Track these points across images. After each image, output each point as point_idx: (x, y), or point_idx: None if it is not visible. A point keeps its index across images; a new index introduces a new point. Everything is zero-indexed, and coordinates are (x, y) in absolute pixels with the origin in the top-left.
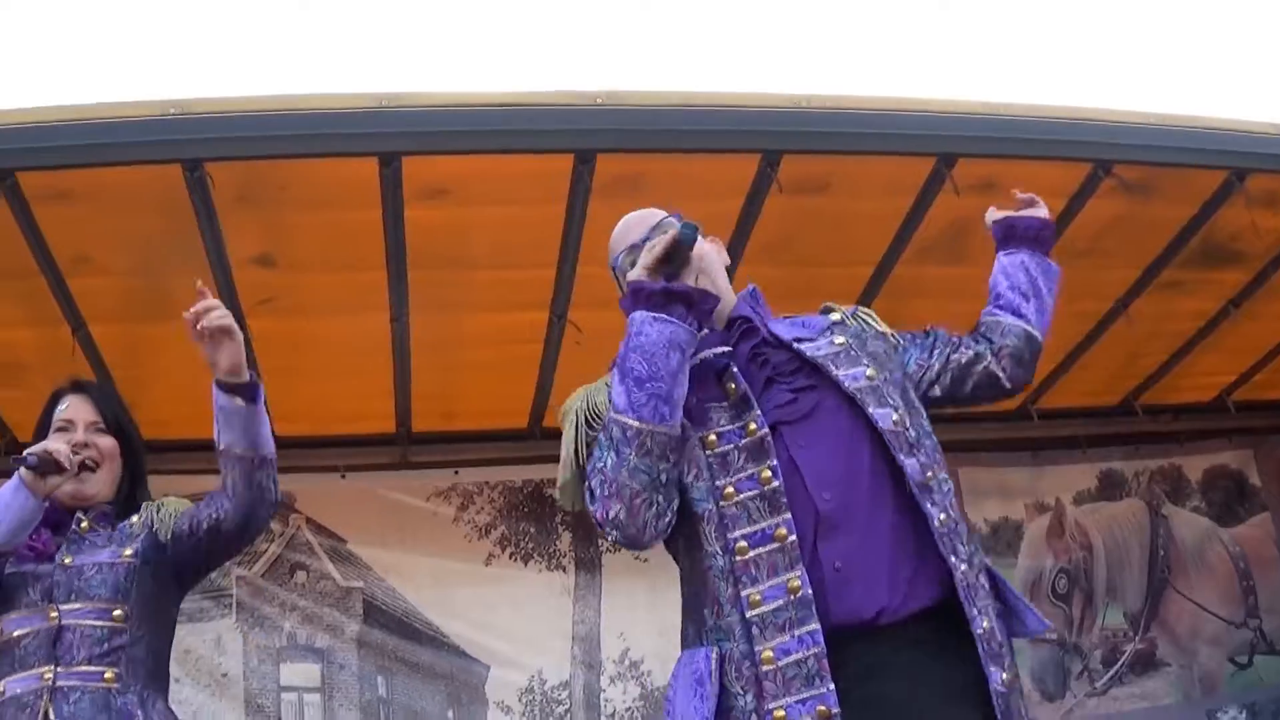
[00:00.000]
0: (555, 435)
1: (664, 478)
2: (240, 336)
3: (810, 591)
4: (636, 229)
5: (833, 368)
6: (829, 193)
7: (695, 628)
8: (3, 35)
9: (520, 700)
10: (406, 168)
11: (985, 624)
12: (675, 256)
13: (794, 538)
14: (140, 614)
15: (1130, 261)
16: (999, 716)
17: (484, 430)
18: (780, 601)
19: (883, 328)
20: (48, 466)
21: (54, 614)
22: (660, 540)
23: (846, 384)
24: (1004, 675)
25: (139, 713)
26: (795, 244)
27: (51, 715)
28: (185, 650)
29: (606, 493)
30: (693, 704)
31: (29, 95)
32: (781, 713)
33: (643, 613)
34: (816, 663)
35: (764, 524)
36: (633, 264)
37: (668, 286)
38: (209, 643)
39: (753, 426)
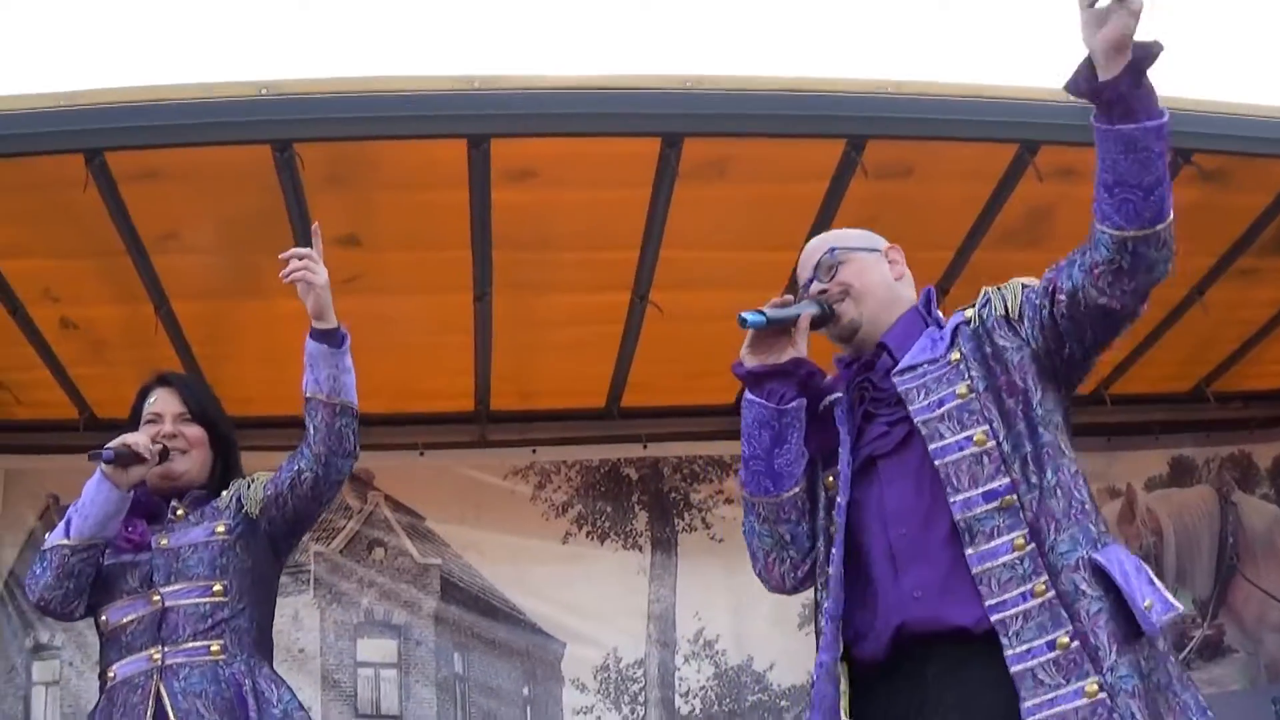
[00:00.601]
0: (632, 415)
1: (787, 537)
2: (322, 283)
3: (825, 623)
4: (803, 268)
5: (916, 398)
6: (912, 178)
7: None
8: (84, 18)
9: (595, 678)
10: (495, 149)
11: (1064, 636)
12: (775, 330)
13: (839, 571)
14: (239, 586)
15: (1206, 249)
16: None
17: (562, 410)
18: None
19: (1005, 306)
20: (126, 458)
21: (156, 597)
22: (802, 588)
23: (918, 417)
24: (1089, 685)
25: (247, 681)
26: (877, 228)
27: (163, 692)
28: None
29: (749, 553)
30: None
31: (118, 75)
32: None
33: (718, 592)
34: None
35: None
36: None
37: (750, 370)
38: (286, 618)
39: (837, 468)
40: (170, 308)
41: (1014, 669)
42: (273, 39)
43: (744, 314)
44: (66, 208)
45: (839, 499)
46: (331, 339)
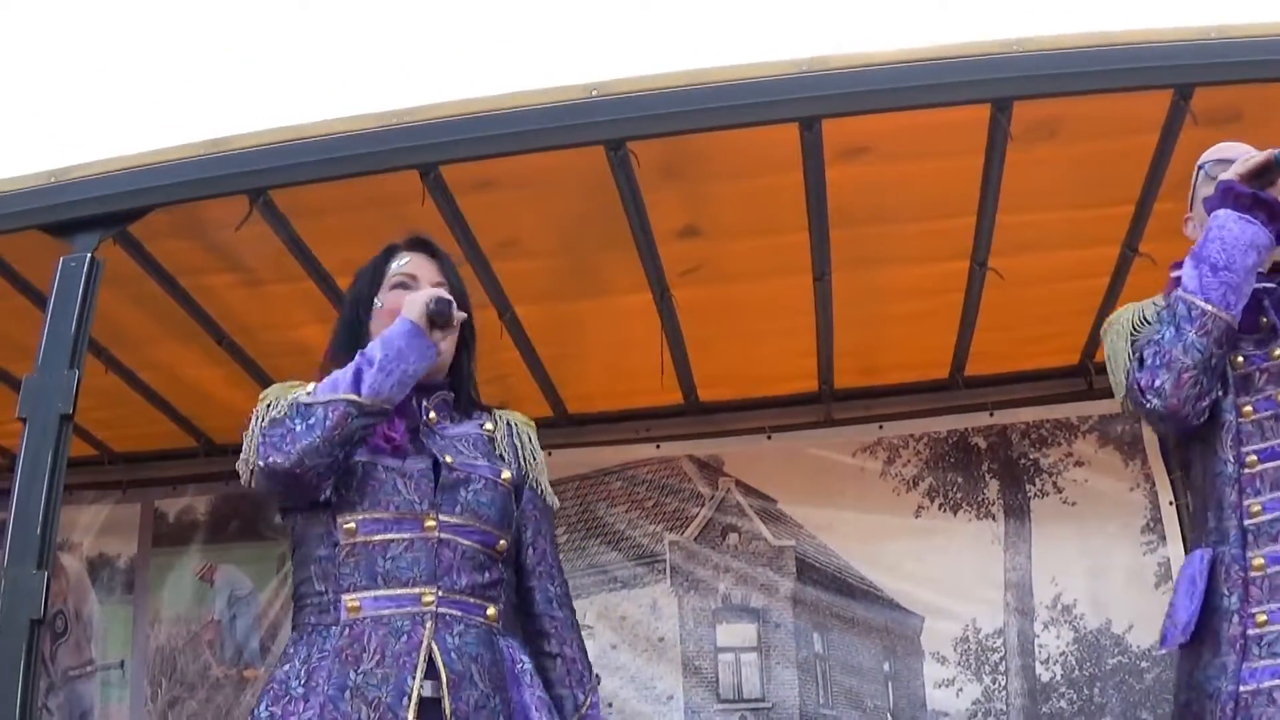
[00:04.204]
0: (977, 384)
1: (1214, 362)
2: None
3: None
4: (1233, 150)
5: None
6: (1242, 122)
7: (1198, 532)
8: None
9: (955, 650)
10: (826, 129)
11: None
12: (1266, 174)
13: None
14: (509, 552)
15: None
16: None
17: (905, 383)
18: (1278, 514)
19: None
20: (444, 316)
21: (431, 523)
22: (1194, 420)
23: None
24: None
25: (524, 659)
26: None
27: (435, 647)
28: (621, 616)
29: (1157, 363)
30: (1183, 601)
31: (450, 89)
32: (1264, 617)
33: (1073, 556)
34: None
35: (1275, 442)
36: (1218, 171)
37: (1257, 193)
38: (644, 608)
39: (1277, 353)
40: (514, 313)
41: None
42: (593, 39)
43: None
44: (404, 222)
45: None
46: None
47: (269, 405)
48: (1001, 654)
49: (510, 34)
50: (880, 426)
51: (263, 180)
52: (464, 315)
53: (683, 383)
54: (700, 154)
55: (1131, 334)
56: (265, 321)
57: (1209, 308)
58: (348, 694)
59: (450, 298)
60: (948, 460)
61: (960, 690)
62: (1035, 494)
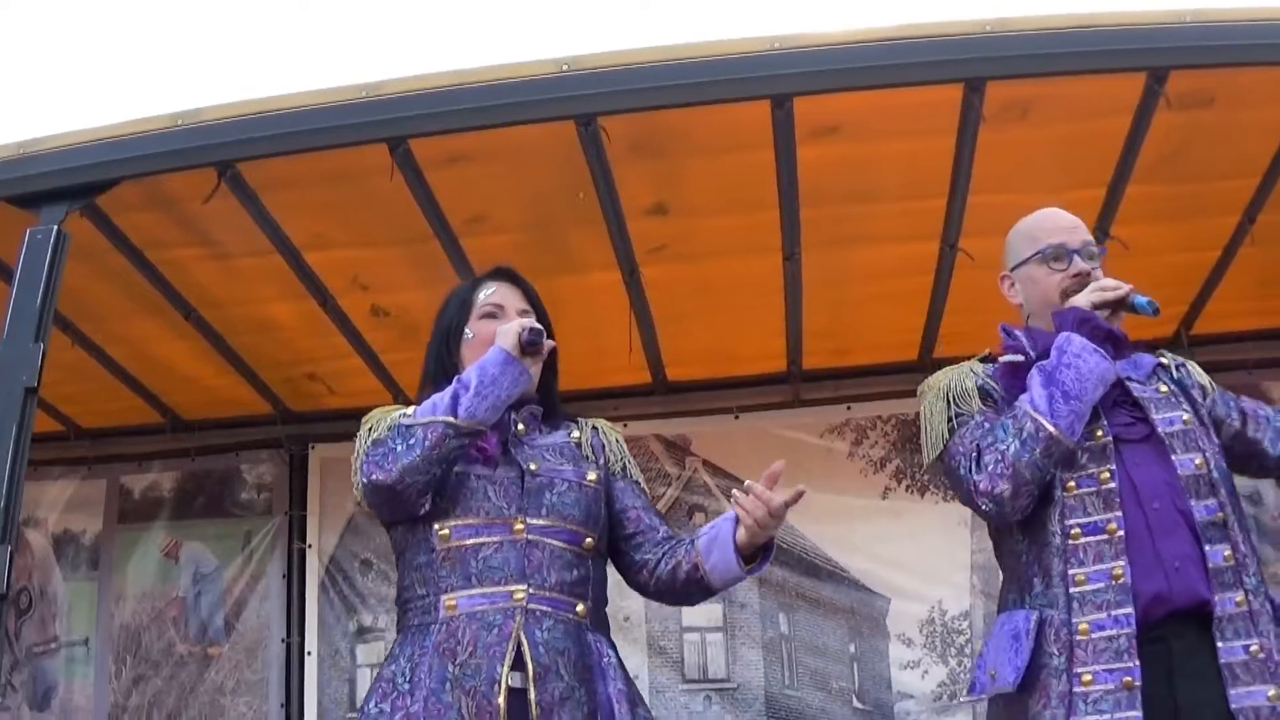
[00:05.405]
0: (945, 365)
1: (1047, 478)
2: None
3: (1130, 580)
4: (1070, 234)
5: (1153, 410)
6: (1215, 106)
7: (1019, 593)
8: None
9: (921, 632)
10: (797, 107)
11: (1255, 646)
12: (1116, 308)
13: (1122, 533)
14: (599, 549)
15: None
16: None
17: (874, 364)
18: (1102, 585)
19: (1203, 380)
20: (536, 346)
21: (519, 526)
22: (1016, 519)
23: (1161, 428)
24: (1271, 692)
25: (611, 654)
26: (1182, 160)
27: (524, 639)
28: None
29: (999, 471)
30: (1006, 655)
31: (420, 62)
32: (1089, 676)
33: None
34: (1128, 641)
35: (1097, 517)
36: (1056, 257)
37: (1113, 330)
38: (611, 586)
39: (1099, 434)
40: None
41: (1222, 660)
42: (565, 14)
43: (1154, 303)
44: (372, 197)
45: (1110, 465)
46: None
47: (370, 429)
48: (967, 636)
49: (481, 8)
50: (848, 407)
51: (231, 153)
52: (552, 344)
53: (651, 362)
54: (671, 131)
55: (953, 405)
56: (233, 296)
57: (1055, 432)
58: (448, 685)
59: (541, 327)
60: (915, 442)
61: (926, 672)
62: None
